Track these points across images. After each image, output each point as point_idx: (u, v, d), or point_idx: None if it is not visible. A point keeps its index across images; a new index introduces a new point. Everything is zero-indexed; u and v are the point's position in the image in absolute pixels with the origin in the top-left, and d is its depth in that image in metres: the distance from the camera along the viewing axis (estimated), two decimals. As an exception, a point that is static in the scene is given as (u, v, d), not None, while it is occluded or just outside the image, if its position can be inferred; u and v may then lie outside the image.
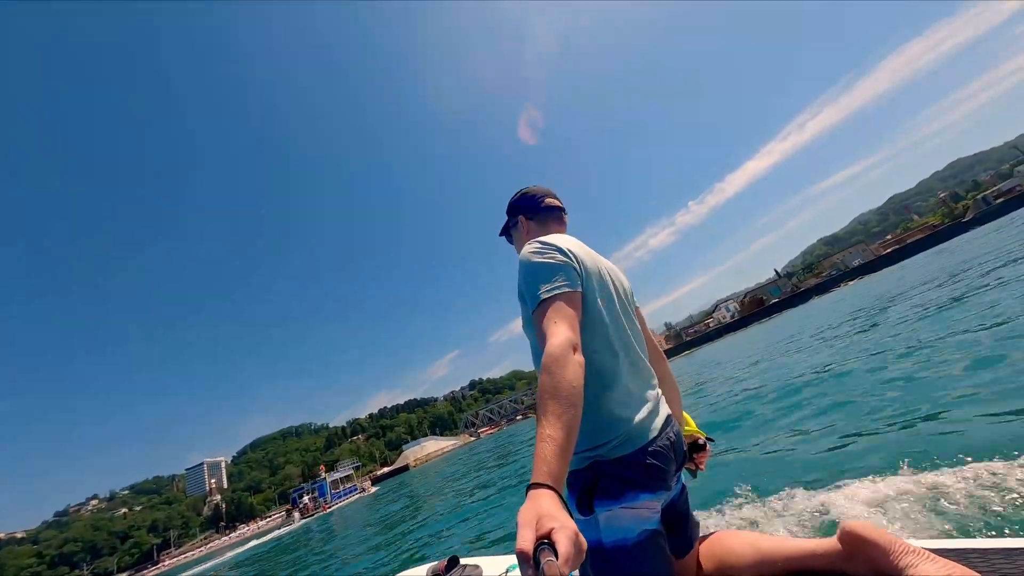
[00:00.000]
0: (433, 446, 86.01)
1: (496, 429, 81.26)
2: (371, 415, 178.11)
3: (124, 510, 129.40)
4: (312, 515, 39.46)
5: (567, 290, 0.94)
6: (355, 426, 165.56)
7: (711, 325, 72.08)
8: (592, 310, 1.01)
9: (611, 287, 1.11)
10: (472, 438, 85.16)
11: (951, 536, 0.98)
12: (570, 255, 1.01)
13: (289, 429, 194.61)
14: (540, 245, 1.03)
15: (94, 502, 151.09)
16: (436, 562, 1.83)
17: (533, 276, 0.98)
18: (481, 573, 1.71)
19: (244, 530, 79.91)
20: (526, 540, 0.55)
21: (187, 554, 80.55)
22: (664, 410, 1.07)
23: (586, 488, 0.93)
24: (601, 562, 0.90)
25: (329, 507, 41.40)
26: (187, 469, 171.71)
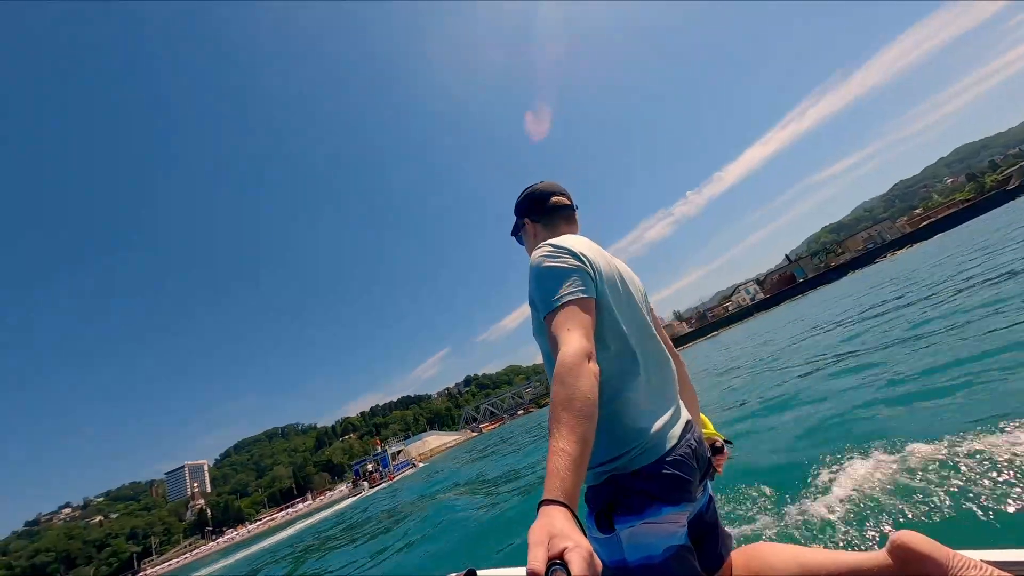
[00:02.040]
0: (436, 441, 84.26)
1: (498, 424, 79.14)
2: (363, 413, 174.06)
3: (99, 518, 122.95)
4: (379, 485, 40.24)
5: (580, 296, 0.89)
6: (346, 425, 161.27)
7: (730, 308, 69.84)
8: (607, 315, 0.95)
9: (626, 290, 1.05)
10: (474, 433, 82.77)
11: (1008, 547, 0.87)
12: (583, 258, 0.96)
13: (275, 430, 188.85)
14: (552, 248, 0.98)
15: (67, 510, 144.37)
16: (453, 574, 1.67)
17: (544, 281, 0.92)
18: None
19: (232, 534, 76.38)
20: (538, 560, 0.52)
21: (171, 562, 76.67)
22: (684, 416, 1.02)
23: (605, 504, 0.87)
24: None
25: (395, 477, 42.62)
26: (167, 473, 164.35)
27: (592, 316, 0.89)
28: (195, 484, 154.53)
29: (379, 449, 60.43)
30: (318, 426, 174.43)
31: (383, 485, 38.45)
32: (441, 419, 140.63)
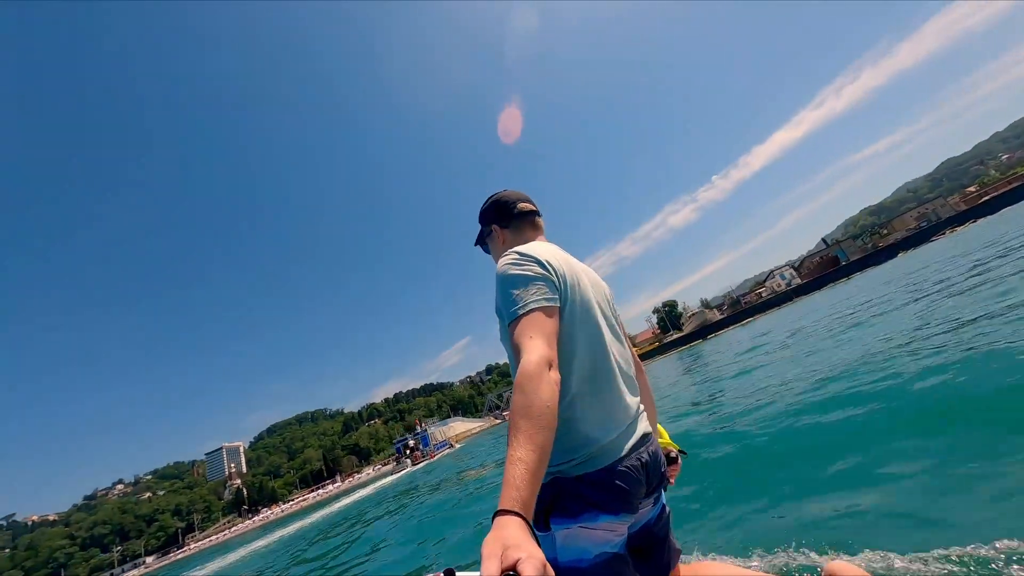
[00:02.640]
0: (461, 427, 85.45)
1: None
2: (387, 400, 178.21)
3: (148, 494, 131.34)
4: (421, 462, 41.66)
5: (544, 304, 0.89)
6: (371, 411, 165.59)
7: (763, 295, 66.69)
8: (570, 324, 0.96)
9: (591, 297, 1.04)
10: (497, 420, 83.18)
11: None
12: (548, 267, 0.96)
13: (305, 414, 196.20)
14: (517, 256, 0.98)
15: (120, 486, 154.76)
16: (431, 575, 1.74)
17: (508, 289, 0.93)
18: None
19: (267, 513, 79.73)
20: (492, 571, 0.53)
21: (211, 538, 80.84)
22: (642, 427, 1.02)
23: (545, 504, 0.89)
24: None
25: (435, 455, 44.32)
26: (207, 454, 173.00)
27: (555, 324, 0.89)
28: (232, 465, 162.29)
29: (419, 429, 63.29)
30: (345, 411, 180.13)
31: (425, 462, 39.49)
32: (464, 406, 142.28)
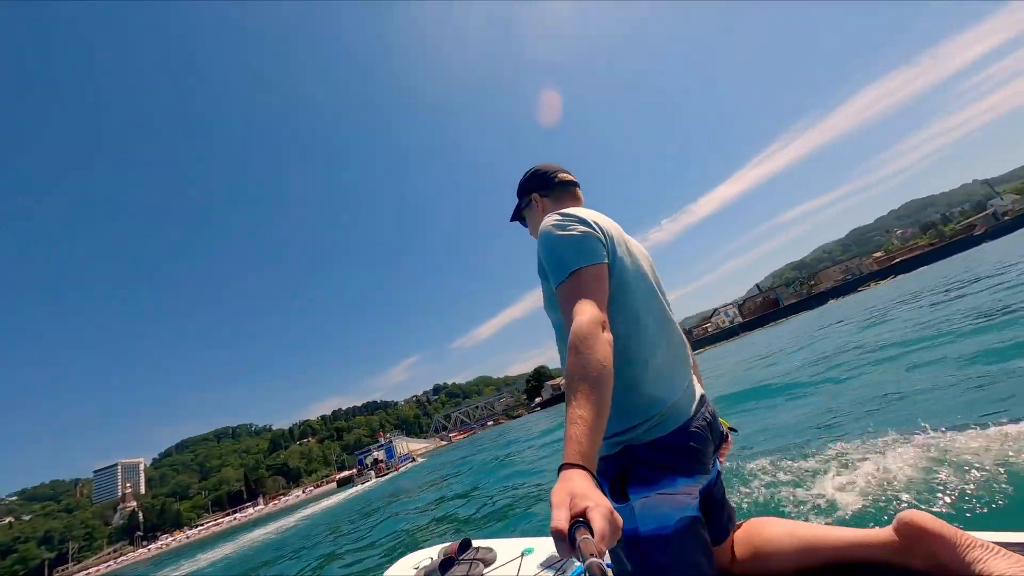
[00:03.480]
0: (405, 447, 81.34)
1: (469, 433, 77.03)
2: (323, 417, 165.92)
3: (9, 519, 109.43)
4: (385, 474, 40.64)
5: (593, 263, 0.87)
6: (305, 428, 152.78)
7: (709, 330, 73.01)
8: (621, 283, 0.94)
9: (640, 259, 1.04)
10: (443, 442, 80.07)
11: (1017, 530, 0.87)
12: (594, 226, 0.94)
13: (225, 429, 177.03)
14: (561, 217, 0.97)
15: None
16: (448, 544, 1.80)
17: (555, 249, 0.91)
18: (495, 556, 1.66)
19: (167, 539, 69.49)
20: (561, 519, 0.54)
21: (90, 570, 68.79)
22: (699, 390, 1.02)
23: (619, 474, 0.87)
24: (638, 552, 0.85)
25: (400, 468, 43.11)
26: (96, 472, 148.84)
27: (605, 283, 0.87)
28: (128, 484, 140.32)
29: (384, 440, 62.78)
30: (273, 428, 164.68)
31: (390, 475, 38.57)
32: (409, 425, 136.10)
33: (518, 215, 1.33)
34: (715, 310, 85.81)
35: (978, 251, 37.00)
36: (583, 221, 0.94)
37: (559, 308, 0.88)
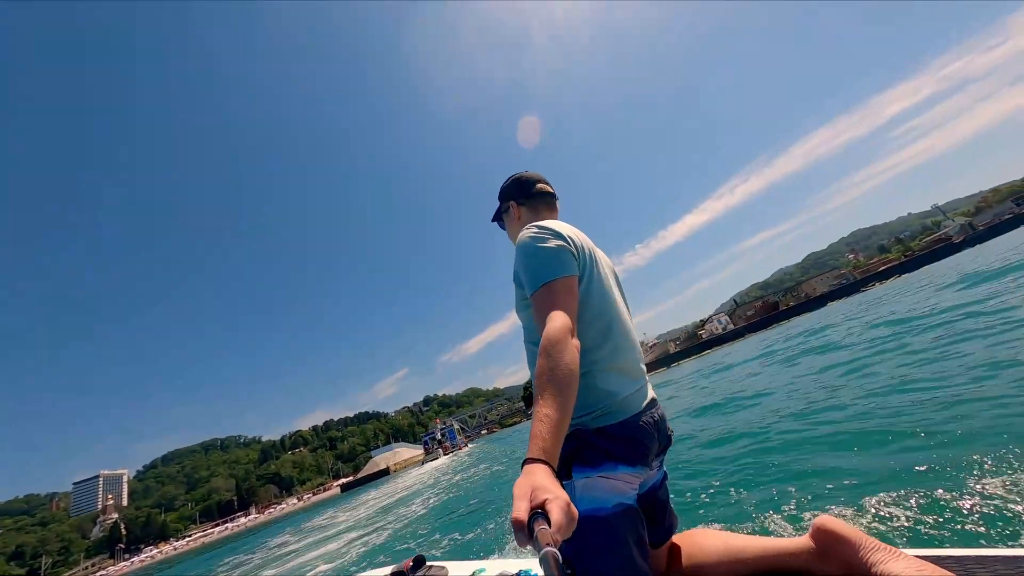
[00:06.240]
0: (408, 452, 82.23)
1: (468, 440, 76.53)
2: (315, 428, 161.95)
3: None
4: (451, 453, 48.34)
5: (565, 274, 0.96)
6: (296, 438, 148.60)
7: (703, 337, 76.69)
8: (589, 292, 1.03)
9: (603, 270, 1.13)
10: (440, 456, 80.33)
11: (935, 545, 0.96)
12: (569, 240, 1.03)
13: (213, 441, 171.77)
14: (538, 230, 1.04)
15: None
16: (401, 563, 1.78)
17: (531, 260, 0.99)
18: (447, 574, 1.67)
19: (152, 551, 66.20)
20: (521, 510, 0.57)
21: None
22: (650, 393, 1.08)
23: (567, 455, 0.92)
24: (577, 529, 0.89)
25: (463, 448, 50.67)
26: (75, 484, 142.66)
27: (575, 294, 0.96)
28: (109, 497, 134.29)
29: (443, 425, 76.48)
30: (263, 439, 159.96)
31: (456, 453, 44.41)
32: (404, 435, 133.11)
33: (497, 218, 1.40)
34: (709, 316, 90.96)
35: (977, 250, 37.89)
36: (558, 235, 1.02)
37: (533, 315, 0.97)
